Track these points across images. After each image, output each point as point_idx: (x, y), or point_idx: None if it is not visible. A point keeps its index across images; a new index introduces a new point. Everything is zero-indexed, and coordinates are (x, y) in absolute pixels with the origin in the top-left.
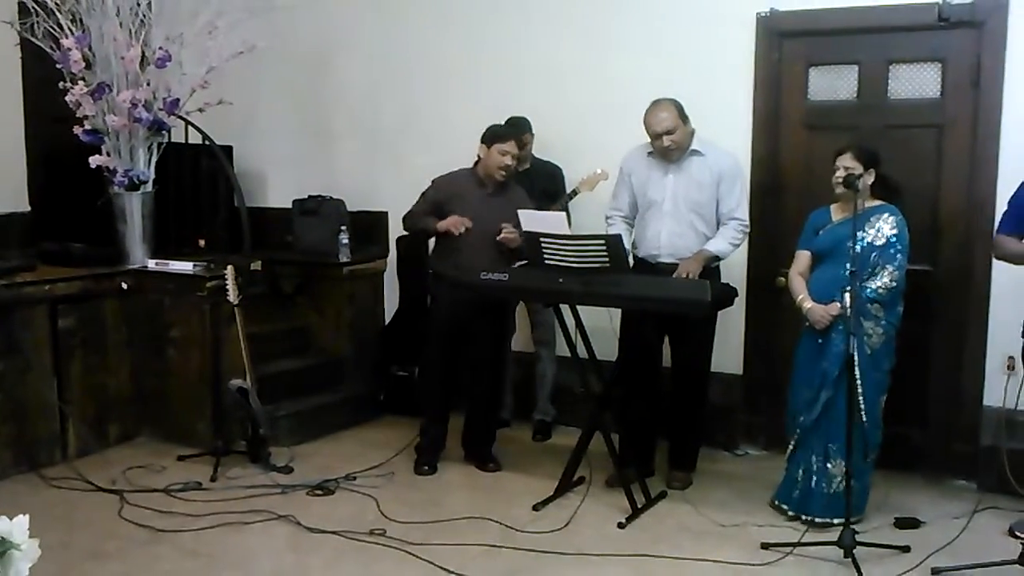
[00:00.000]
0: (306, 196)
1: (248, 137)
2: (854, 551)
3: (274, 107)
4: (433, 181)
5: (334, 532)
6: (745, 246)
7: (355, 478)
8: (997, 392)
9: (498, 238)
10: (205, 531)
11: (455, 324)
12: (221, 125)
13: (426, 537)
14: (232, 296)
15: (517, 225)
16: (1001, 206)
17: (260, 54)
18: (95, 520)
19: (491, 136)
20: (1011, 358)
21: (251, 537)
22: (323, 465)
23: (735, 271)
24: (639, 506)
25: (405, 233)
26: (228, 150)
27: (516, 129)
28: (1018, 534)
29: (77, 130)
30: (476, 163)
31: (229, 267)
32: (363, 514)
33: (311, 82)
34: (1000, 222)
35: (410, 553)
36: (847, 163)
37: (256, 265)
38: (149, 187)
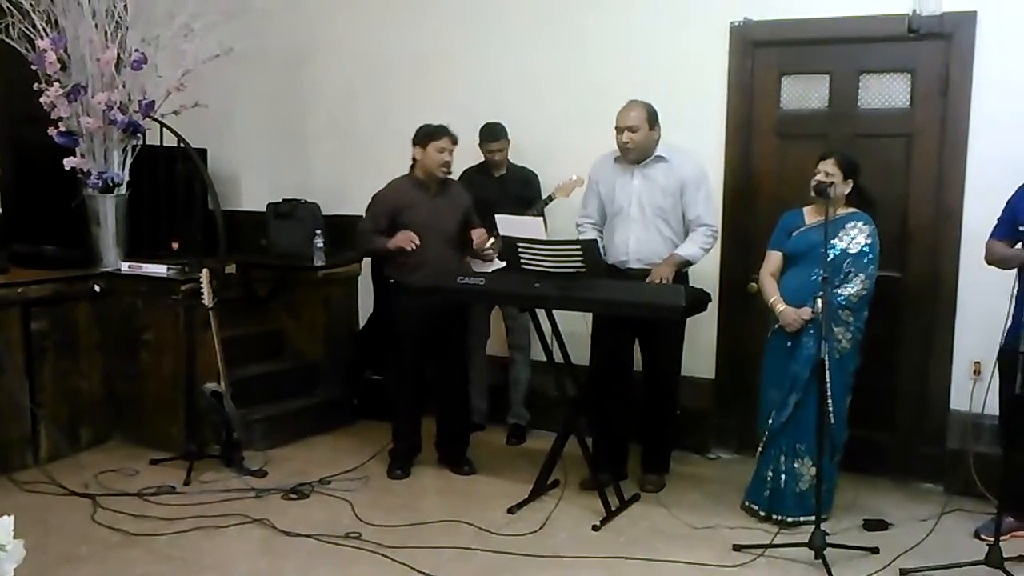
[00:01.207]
0: (281, 199)
1: (223, 140)
2: (824, 552)
3: (249, 110)
4: (374, 197)
5: (309, 536)
6: (717, 252)
7: (330, 482)
8: (964, 397)
9: (475, 246)
10: (179, 535)
11: (420, 330)
12: (196, 128)
13: (401, 540)
14: (206, 299)
15: (465, 224)
16: (969, 214)
17: (236, 57)
18: (68, 524)
19: (425, 135)
20: (977, 363)
21: (226, 541)
22: (297, 469)
23: (707, 276)
24: (613, 509)
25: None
26: (203, 153)
27: (490, 133)
28: (984, 536)
29: (51, 131)
30: (412, 167)
31: (204, 270)
32: (338, 518)
33: (287, 85)
34: (994, 228)
35: (385, 556)
36: (828, 168)
37: (230, 268)
38: (123, 189)
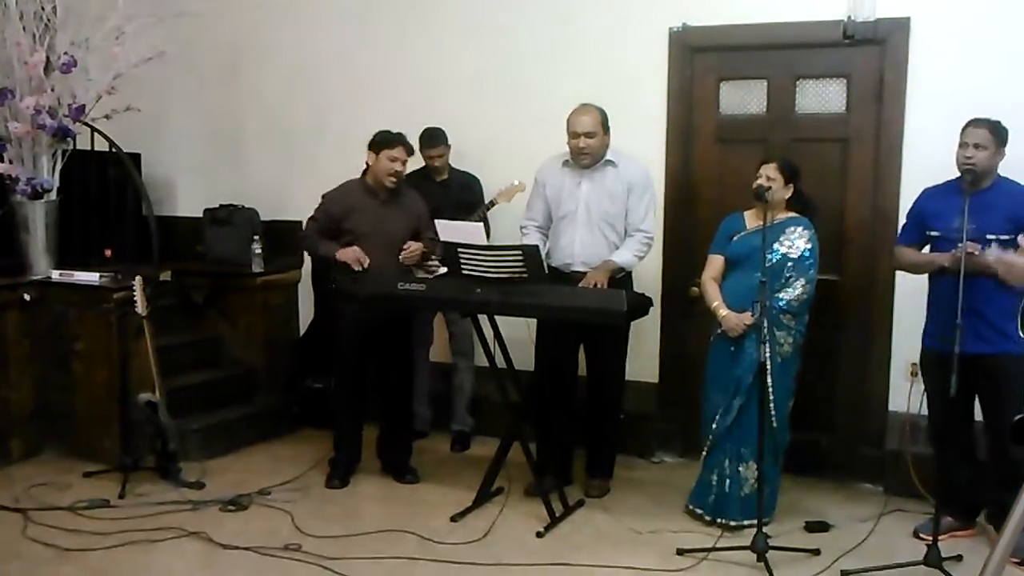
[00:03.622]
0: (217, 205)
1: (157, 144)
2: (766, 555)
3: (184, 114)
4: (323, 197)
5: (248, 548)
6: (659, 256)
7: (269, 493)
8: (901, 398)
9: (401, 257)
10: (113, 549)
11: (362, 338)
12: (129, 132)
13: (342, 551)
14: (140, 307)
15: (415, 235)
16: (904, 217)
17: (170, 60)
18: None
19: (379, 142)
20: (914, 364)
21: (161, 555)
22: (236, 480)
23: (649, 281)
24: (557, 515)
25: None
26: (136, 158)
27: (430, 139)
28: (923, 536)
29: None
30: (364, 172)
31: (137, 278)
32: (278, 529)
33: (223, 89)
34: (899, 234)
35: (326, 568)
36: (770, 173)
37: (165, 275)
38: (53, 195)
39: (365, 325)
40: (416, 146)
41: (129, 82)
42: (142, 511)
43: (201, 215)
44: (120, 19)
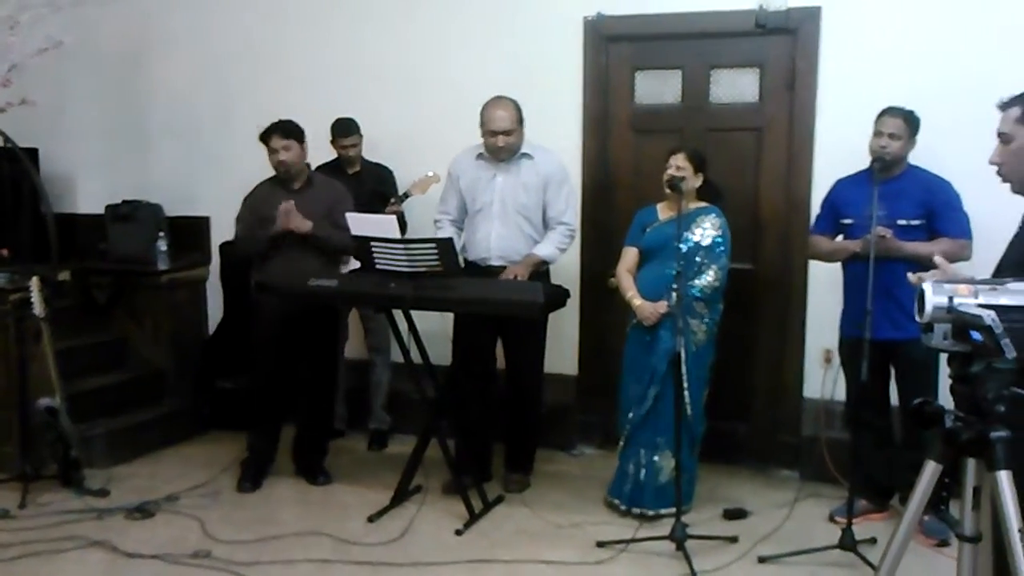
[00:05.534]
0: (120, 201)
1: (55, 139)
2: (685, 543)
3: (84, 107)
4: (243, 200)
5: (154, 556)
6: (577, 247)
7: (178, 498)
8: (816, 384)
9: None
10: (14, 562)
11: (280, 334)
12: (24, 126)
13: (254, 556)
14: (38, 309)
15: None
16: (816, 205)
17: (67, 51)
18: None
19: (260, 137)
20: (827, 351)
21: (65, 566)
22: (143, 486)
23: (567, 272)
24: (477, 512)
25: (230, 242)
26: (33, 153)
27: (342, 128)
28: (838, 519)
29: None
30: None
31: (34, 278)
32: (186, 536)
33: (125, 80)
34: (814, 222)
35: (237, 574)
36: (680, 163)
37: (64, 275)
38: None
39: (277, 321)
40: (328, 137)
41: (25, 74)
42: (44, 521)
43: (103, 212)
44: (14, 8)
